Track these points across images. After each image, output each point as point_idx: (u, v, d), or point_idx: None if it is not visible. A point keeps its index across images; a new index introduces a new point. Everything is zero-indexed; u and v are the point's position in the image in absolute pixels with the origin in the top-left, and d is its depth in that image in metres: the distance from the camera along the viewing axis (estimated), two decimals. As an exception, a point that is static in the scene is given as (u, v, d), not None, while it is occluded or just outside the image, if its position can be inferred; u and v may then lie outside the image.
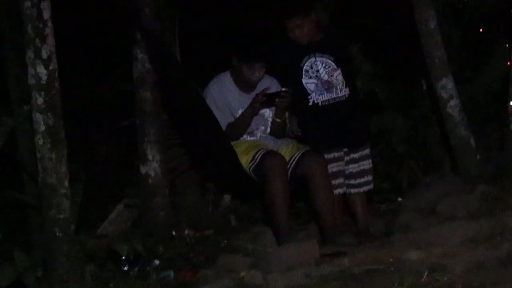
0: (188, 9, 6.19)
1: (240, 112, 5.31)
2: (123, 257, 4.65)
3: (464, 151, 5.44)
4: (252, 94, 5.28)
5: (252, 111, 5.27)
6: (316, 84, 5.35)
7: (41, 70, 4.19)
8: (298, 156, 5.20)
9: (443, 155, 6.31)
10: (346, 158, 5.41)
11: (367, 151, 5.47)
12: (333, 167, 5.31)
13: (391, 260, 4.27)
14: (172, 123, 5.65)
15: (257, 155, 5.15)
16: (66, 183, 4.25)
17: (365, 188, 5.48)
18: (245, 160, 5.19)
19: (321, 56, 5.34)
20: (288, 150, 5.28)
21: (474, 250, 4.16)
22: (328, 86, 5.34)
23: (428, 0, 5.38)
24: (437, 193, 5.40)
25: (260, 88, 5.29)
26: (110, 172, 6.86)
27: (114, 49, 6.50)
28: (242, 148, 5.24)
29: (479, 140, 5.64)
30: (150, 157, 5.39)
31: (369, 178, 5.48)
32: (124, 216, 5.43)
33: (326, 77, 5.35)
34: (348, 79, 5.42)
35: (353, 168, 5.43)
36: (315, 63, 5.34)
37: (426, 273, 3.86)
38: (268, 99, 5.21)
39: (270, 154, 5.15)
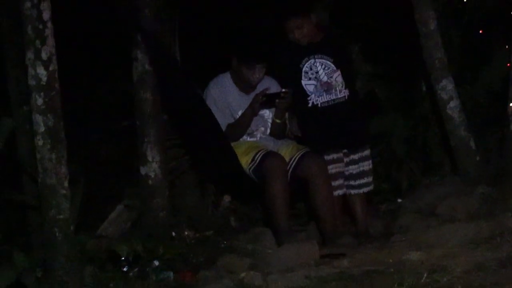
0: (188, 10, 6.19)
1: (240, 113, 5.31)
2: (123, 258, 4.65)
3: (464, 153, 5.44)
4: (252, 95, 5.29)
5: (252, 112, 5.27)
6: (316, 86, 5.35)
7: (41, 71, 4.19)
8: (298, 157, 5.20)
9: (443, 156, 6.32)
10: (346, 159, 5.41)
11: (367, 152, 5.47)
12: (332, 169, 5.31)
13: (390, 261, 4.27)
14: (172, 124, 5.65)
15: (257, 156, 5.15)
16: (66, 184, 4.25)
17: (365, 189, 5.48)
18: (245, 161, 5.19)
19: (320, 58, 5.35)
20: (288, 151, 5.28)
21: (474, 251, 4.17)
22: (327, 87, 5.35)
23: (428, 1, 5.39)
24: (437, 194, 5.41)
25: (260, 89, 5.29)
26: (110, 173, 6.86)
27: (114, 49, 6.50)
28: (242, 149, 5.24)
29: (479, 141, 5.64)
30: (150, 158, 5.39)
31: (369, 179, 5.48)
32: (124, 216, 5.42)
33: (325, 79, 5.35)
34: (348, 81, 5.42)
35: (353, 169, 5.43)
36: (315, 64, 5.35)
37: (425, 274, 3.86)
38: (268, 100, 5.21)
39: (270, 155, 5.15)
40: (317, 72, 5.35)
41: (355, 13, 6.83)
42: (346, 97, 5.39)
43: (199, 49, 6.71)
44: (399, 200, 6.06)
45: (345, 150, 5.40)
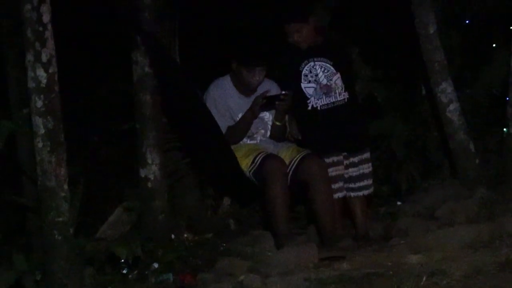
0: (188, 13, 6.19)
1: (240, 115, 5.31)
2: (122, 260, 4.65)
3: (463, 156, 5.45)
4: (252, 98, 5.29)
5: (252, 114, 5.27)
6: (315, 89, 5.35)
7: (41, 74, 4.18)
8: (298, 159, 5.20)
9: (442, 159, 6.32)
10: (346, 162, 5.41)
11: (366, 155, 5.47)
12: (332, 171, 5.31)
13: (390, 264, 4.28)
14: (172, 126, 5.64)
15: (257, 158, 5.15)
16: (66, 186, 4.25)
17: (365, 192, 5.48)
18: (245, 164, 5.19)
19: (320, 60, 5.35)
20: (288, 154, 5.28)
21: (473, 255, 4.17)
22: (327, 90, 5.35)
23: (428, 4, 5.39)
24: (436, 197, 5.41)
25: (260, 91, 5.29)
26: (110, 175, 6.85)
27: (114, 51, 6.50)
28: (242, 152, 5.24)
29: (478, 144, 5.65)
30: (149, 161, 5.38)
31: (369, 182, 5.48)
32: (123, 219, 5.41)
33: (325, 81, 5.35)
34: (347, 83, 5.42)
35: (352, 172, 5.43)
36: (314, 67, 5.35)
37: (425, 277, 3.87)
38: (268, 102, 5.21)
39: (270, 157, 5.15)
40: (316, 75, 5.35)
41: (355, 16, 6.84)
42: (346, 100, 5.39)
43: (199, 51, 6.72)
44: (399, 203, 6.06)
45: (345, 153, 5.40)
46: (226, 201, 6.28)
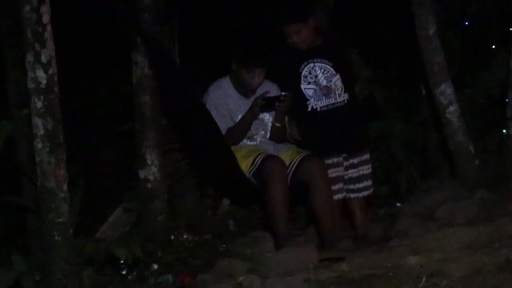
0: (188, 13, 6.19)
1: (239, 116, 5.31)
2: (122, 261, 4.65)
3: (463, 157, 5.45)
4: (252, 99, 5.28)
5: (251, 115, 5.27)
6: (315, 90, 5.35)
7: (41, 74, 4.19)
8: (298, 160, 5.20)
9: (442, 161, 6.32)
10: (346, 163, 5.41)
11: (366, 156, 5.47)
12: (332, 173, 5.30)
13: (389, 265, 4.27)
14: (172, 127, 5.65)
15: (257, 159, 5.15)
16: (65, 187, 4.25)
17: (365, 193, 5.47)
18: (245, 165, 5.19)
19: (319, 62, 5.34)
20: (288, 155, 5.28)
21: (473, 256, 4.17)
22: (326, 91, 5.34)
23: (428, 5, 5.39)
24: (436, 198, 5.41)
25: (259, 93, 5.29)
26: (109, 176, 6.86)
27: (113, 52, 6.51)
28: (242, 153, 5.24)
29: (478, 145, 5.65)
30: (149, 162, 5.39)
31: (369, 183, 5.47)
32: (123, 220, 5.42)
33: (324, 83, 5.35)
34: (347, 85, 5.41)
35: (352, 173, 5.43)
36: (314, 68, 5.34)
37: (424, 278, 3.87)
38: (267, 103, 5.21)
39: (270, 158, 5.15)
40: (316, 76, 5.35)
41: (355, 17, 6.84)
42: (346, 101, 5.38)
43: (199, 52, 6.72)
44: (398, 204, 6.06)
45: (344, 154, 5.40)
46: (226, 202, 6.29)
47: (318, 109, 5.35)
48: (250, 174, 5.17)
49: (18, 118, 5.36)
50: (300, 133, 5.46)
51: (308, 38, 5.31)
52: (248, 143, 5.36)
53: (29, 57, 4.20)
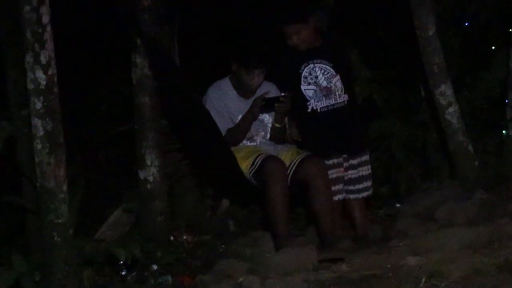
0: (188, 14, 6.19)
1: (239, 117, 5.31)
2: (121, 262, 4.65)
3: (462, 157, 5.45)
4: (252, 100, 5.28)
5: (251, 116, 5.27)
6: (315, 91, 5.35)
7: (40, 75, 4.18)
8: (298, 160, 5.20)
9: (441, 161, 6.32)
10: (345, 164, 5.41)
11: (366, 157, 5.47)
12: (332, 173, 5.31)
13: (389, 265, 4.27)
14: (171, 128, 5.65)
15: (257, 160, 5.15)
16: (65, 188, 4.25)
17: (364, 194, 5.48)
18: (245, 166, 5.19)
19: (319, 62, 5.34)
20: (288, 155, 5.28)
21: (472, 256, 4.17)
22: (327, 92, 5.34)
23: (427, 6, 5.39)
24: (435, 199, 5.41)
25: (259, 93, 5.29)
26: (109, 177, 6.86)
27: (113, 53, 6.51)
28: (242, 154, 5.24)
29: (477, 146, 5.66)
30: (148, 162, 5.39)
31: (368, 184, 5.48)
32: (123, 220, 5.42)
33: (325, 84, 5.35)
34: (347, 85, 5.41)
35: (352, 174, 5.43)
36: (314, 69, 5.34)
37: (424, 279, 3.87)
38: (267, 104, 5.21)
39: (270, 159, 5.15)
40: (316, 77, 5.35)
41: (355, 17, 6.84)
42: (346, 102, 5.38)
43: (198, 52, 6.72)
44: (398, 205, 6.06)
45: (344, 155, 5.40)
46: (225, 202, 6.29)
47: (318, 110, 5.35)
48: (250, 175, 5.17)
49: (18, 119, 5.35)
50: (300, 134, 5.46)
51: (308, 38, 5.31)
52: (248, 144, 5.36)
53: (29, 58, 4.19)
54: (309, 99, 5.35)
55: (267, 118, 5.40)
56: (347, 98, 5.39)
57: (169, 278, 4.78)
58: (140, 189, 5.45)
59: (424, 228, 4.99)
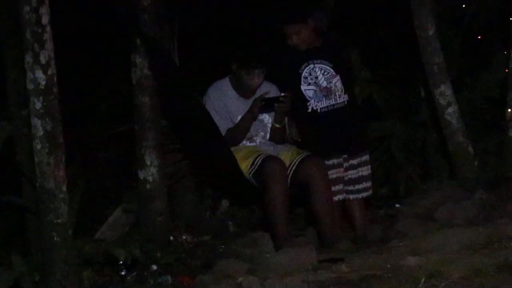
0: (188, 14, 6.19)
1: (239, 117, 5.31)
2: (121, 262, 4.65)
3: (462, 158, 5.44)
4: (251, 100, 5.29)
5: (251, 116, 5.27)
6: (315, 91, 5.35)
7: (40, 75, 4.18)
8: (298, 161, 5.20)
9: (441, 162, 6.32)
10: (345, 164, 5.41)
11: (366, 158, 5.48)
12: (332, 174, 5.31)
13: (388, 266, 4.27)
14: (171, 128, 5.65)
15: (257, 160, 5.15)
16: (64, 188, 4.25)
17: (364, 194, 5.48)
18: (244, 166, 5.19)
19: (319, 63, 5.35)
20: (288, 156, 5.28)
21: (472, 257, 4.17)
22: (327, 92, 5.35)
23: (427, 6, 5.39)
24: (435, 199, 5.40)
25: (259, 94, 5.29)
26: (108, 177, 6.86)
27: (113, 53, 6.51)
28: (241, 154, 5.24)
29: (477, 146, 5.65)
30: (148, 162, 5.38)
31: (368, 184, 5.48)
32: (122, 221, 5.42)
33: (325, 84, 5.35)
34: (347, 86, 5.42)
35: (352, 174, 5.43)
36: (314, 69, 5.35)
37: (423, 279, 3.86)
38: (267, 104, 5.22)
39: (270, 159, 5.15)
40: (316, 77, 5.35)
41: (355, 17, 6.84)
42: (346, 102, 5.39)
43: (198, 52, 6.72)
44: (397, 205, 6.06)
45: (344, 155, 5.40)
46: (225, 202, 6.29)
47: (318, 110, 5.35)
48: (250, 175, 5.17)
49: (17, 119, 5.35)
50: (300, 134, 5.46)
51: (308, 38, 5.31)
52: (248, 144, 5.36)
53: (28, 58, 4.19)
54: (309, 99, 5.35)
55: (267, 118, 5.40)
56: (347, 98, 5.39)
57: (169, 278, 4.78)
58: (140, 189, 5.45)
59: (424, 228, 4.98)
